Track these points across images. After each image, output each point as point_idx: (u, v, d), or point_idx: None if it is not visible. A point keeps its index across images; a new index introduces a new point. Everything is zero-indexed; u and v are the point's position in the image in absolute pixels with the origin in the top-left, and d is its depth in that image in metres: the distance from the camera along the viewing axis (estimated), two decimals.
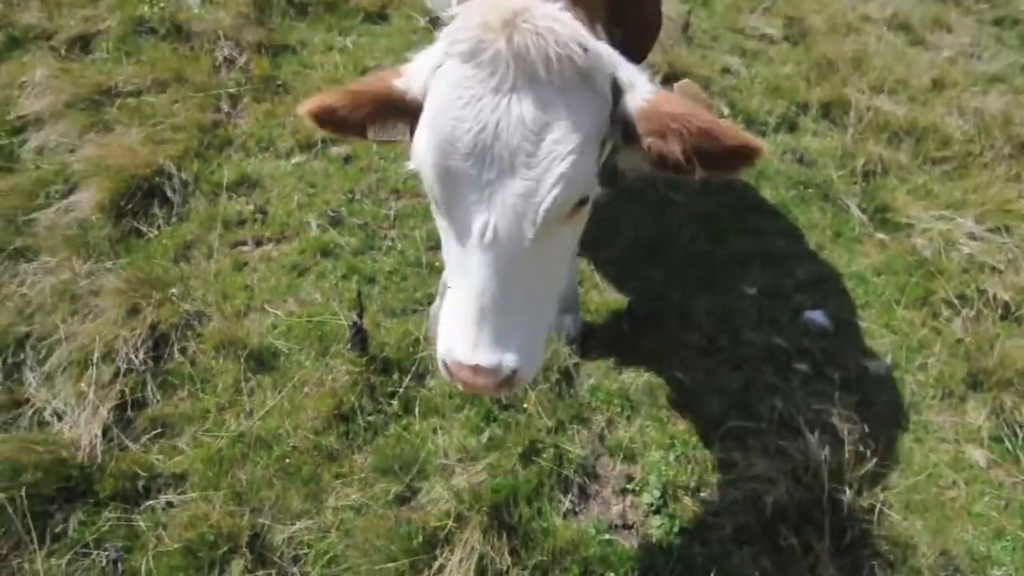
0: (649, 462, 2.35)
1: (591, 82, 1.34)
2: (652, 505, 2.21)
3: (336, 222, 3.30)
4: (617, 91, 1.41)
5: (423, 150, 1.37)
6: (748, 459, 2.23)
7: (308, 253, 3.13)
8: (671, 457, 2.35)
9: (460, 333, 1.41)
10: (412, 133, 1.45)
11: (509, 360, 1.40)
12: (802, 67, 4.62)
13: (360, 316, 2.58)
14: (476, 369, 1.40)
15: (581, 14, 1.53)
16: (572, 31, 1.32)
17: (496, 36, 1.29)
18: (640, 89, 1.40)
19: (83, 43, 4.27)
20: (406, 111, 1.46)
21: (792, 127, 4.15)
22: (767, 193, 3.64)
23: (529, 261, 1.40)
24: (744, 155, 1.35)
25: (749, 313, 2.97)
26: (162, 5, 4.35)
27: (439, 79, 1.38)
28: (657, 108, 1.36)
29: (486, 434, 2.40)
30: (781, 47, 4.92)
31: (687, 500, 2.22)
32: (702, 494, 2.24)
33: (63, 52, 4.14)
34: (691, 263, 3.21)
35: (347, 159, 3.70)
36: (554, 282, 1.57)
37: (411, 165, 1.42)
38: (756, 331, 2.89)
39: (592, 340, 2.83)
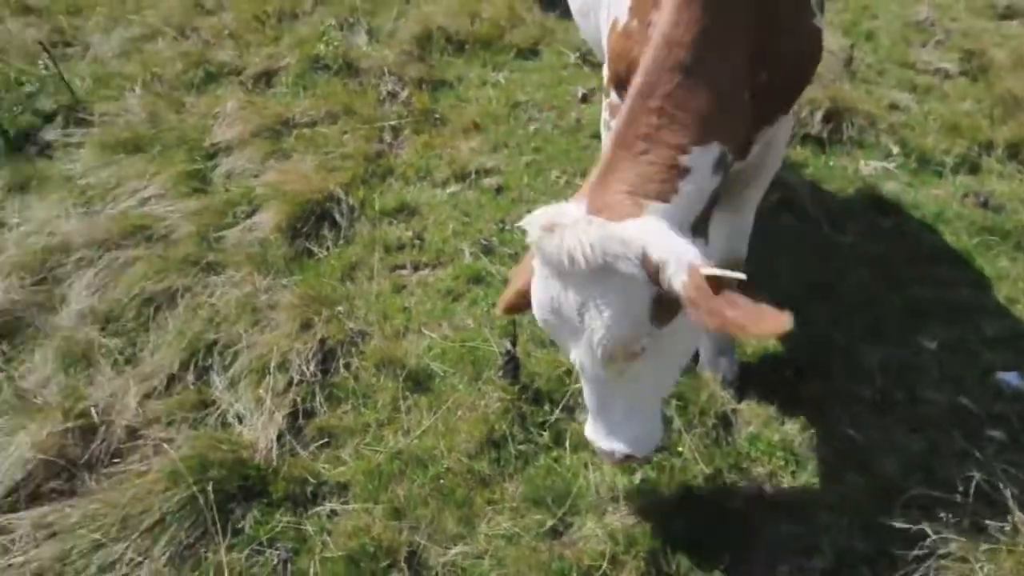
0: (819, 524, 2.18)
1: (612, 270, 1.66)
2: (824, 571, 2.04)
3: (488, 251, 3.38)
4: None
5: (533, 308, 1.88)
6: (939, 533, 2.01)
7: (461, 280, 3.22)
8: (844, 520, 2.16)
9: (588, 421, 2.00)
10: None
11: (619, 447, 1.93)
12: (984, 104, 4.25)
13: (513, 344, 2.60)
14: (599, 449, 1.98)
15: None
16: (588, 237, 1.63)
17: (546, 237, 1.68)
18: (672, 269, 1.64)
19: (267, 78, 4.71)
20: None
21: (974, 168, 3.81)
22: (947, 239, 3.35)
23: (617, 382, 1.86)
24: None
25: (929, 369, 2.72)
26: (336, 44, 4.72)
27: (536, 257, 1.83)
28: (694, 297, 1.61)
29: (639, 475, 2.33)
30: (958, 82, 4.56)
31: (864, 570, 2.03)
32: (881, 566, 2.04)
33: (250, 86, 4.58)
34: (860, 309, 2.99)
35: (499, 190, 3.80)
36: (654, 385, 1.96)
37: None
38: (938, 390, 2.63)
39: (750, 384, 2.69)
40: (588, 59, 4.97)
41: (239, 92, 4.47)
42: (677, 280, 1.62)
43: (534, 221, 1.70)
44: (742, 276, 1.69)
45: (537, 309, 1.84)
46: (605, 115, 2.49)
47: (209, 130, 4.09)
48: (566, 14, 5.65)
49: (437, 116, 4.31)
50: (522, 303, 1.97)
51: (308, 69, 4.74)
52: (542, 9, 5.47)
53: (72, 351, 2.82)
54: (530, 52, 5.10)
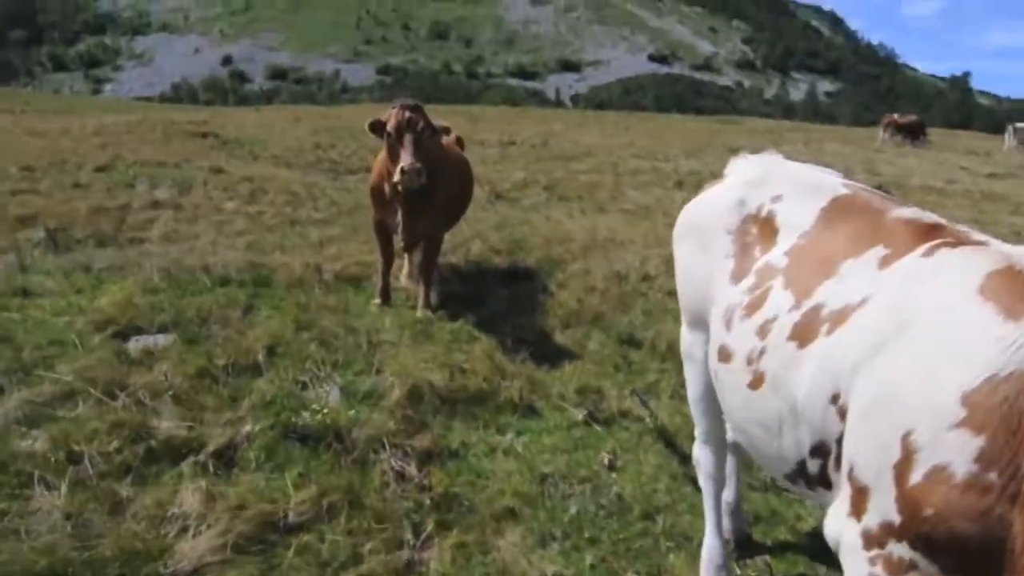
0: None
1: None
2: None
3: None
4: None
5: None
6: None
7: None
8: None
9: None
10: None
11: None
12: None
13: None
14: None
15: None
16: None
17: None
18: None
19: (229, 454, 3.76)
20: None
21: None
22: None
23: None
24: None
25: None
26: (323, 410, 3.97)
27: None
28: None
29: None
30: None
31: None
32: None
33: (211, 467, 3.60)
34: None
35: None
36: None
37: None
38: None
39: None
40: (595, 416, 4.59)
41: (199, 478, 3.46)
42: None
43: None
44: None
45: None
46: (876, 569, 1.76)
47: (165, 545, 2.98)
48: (554, 366, 5.41)
49: (464, 504, 3.52)
50: None
51: (281, 438, 3.89)
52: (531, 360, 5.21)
53: None
54: (528, 409, 4.65)
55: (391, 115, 5.90)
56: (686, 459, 4.15)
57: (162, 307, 5.76)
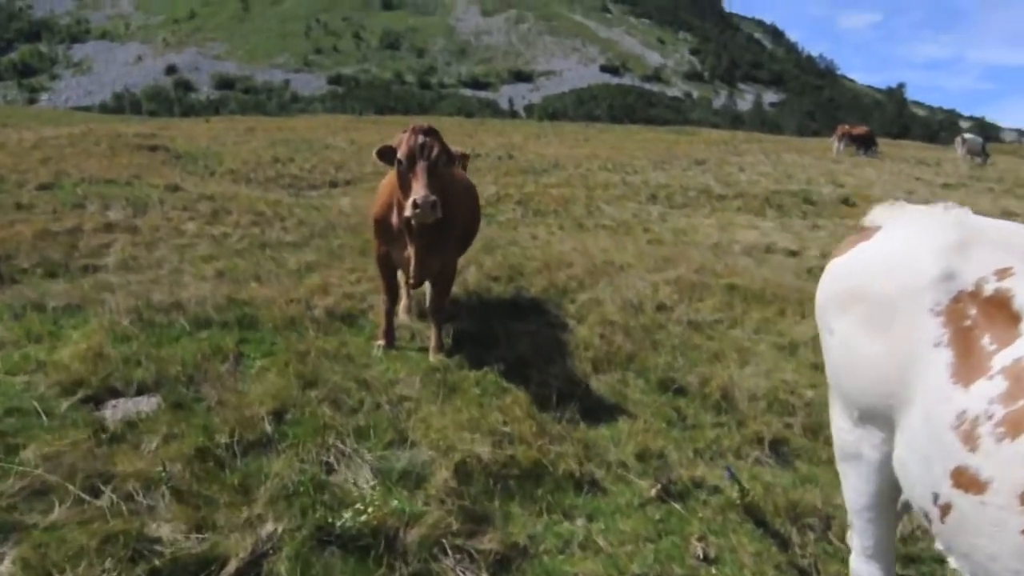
0: None
1: None
2: None
3: None
4: None
5: None
6: None
7: None
8: None
9: None
10: None
11: None
12: None
13: None
14: None
15: None
16: None
17: None
18: None
19: (252, 571, 3.02)
20: None
21: None
22: None
23: None
24: None
25: None
26: (369, 510, 3.24)
27: None
28: None
29: None
30: None
31: None
32: None
33: None
34: None
35: None
36: None
37: None
38: None
39: None
40: (668, 489, 3.98)
41: None
42: None
43: None
44: None
45: None
46: None
47: None
48: (604, 424, 4.79)
49: None
50: None
51: (315, 545, 3.16)
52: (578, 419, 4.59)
53: None
54: (591, 484, 4.01)
55: (402, 140, 5.21)
56: (784, 543, 3.61)
57: (138, 360, 4.94)
